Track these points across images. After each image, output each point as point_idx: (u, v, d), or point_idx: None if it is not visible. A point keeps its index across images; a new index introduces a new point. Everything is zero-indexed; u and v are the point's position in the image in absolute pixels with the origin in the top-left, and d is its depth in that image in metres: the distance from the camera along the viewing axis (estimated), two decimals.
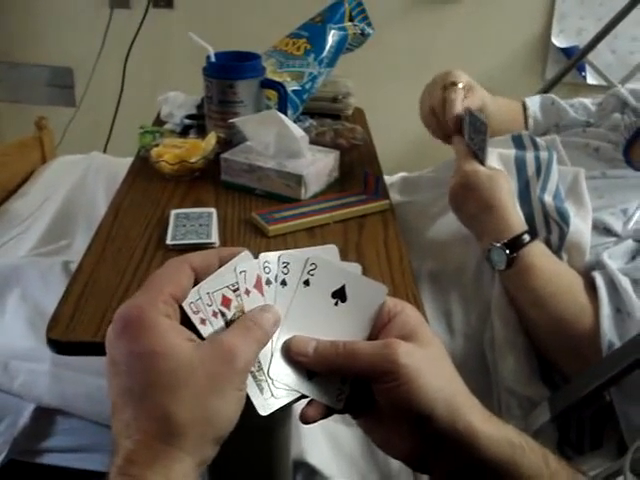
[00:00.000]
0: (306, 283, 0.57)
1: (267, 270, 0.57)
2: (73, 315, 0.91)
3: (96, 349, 0.88)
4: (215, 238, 1.08)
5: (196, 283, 0.54)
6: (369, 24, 1.54)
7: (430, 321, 1.13)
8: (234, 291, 0.55)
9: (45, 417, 1.27)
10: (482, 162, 1.09)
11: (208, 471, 1.06)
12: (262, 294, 0.56)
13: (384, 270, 1.03)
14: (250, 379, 0.54)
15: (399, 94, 2.50)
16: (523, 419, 1.04)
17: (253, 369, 0.54)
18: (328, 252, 0.59)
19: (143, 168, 1.34)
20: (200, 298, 0.54)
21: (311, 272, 0.57)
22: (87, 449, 1.29)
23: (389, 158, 1.75)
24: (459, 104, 1.19)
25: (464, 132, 1.16)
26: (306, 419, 0.56)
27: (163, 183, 1.28)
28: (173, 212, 1.14)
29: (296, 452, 1.11)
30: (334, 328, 0.57)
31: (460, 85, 1.20)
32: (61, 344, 0.88)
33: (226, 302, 0.55)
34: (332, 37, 1.47)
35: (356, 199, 1.21)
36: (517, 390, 1.06)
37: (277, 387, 0.55)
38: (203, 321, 0.54)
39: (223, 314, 0.55)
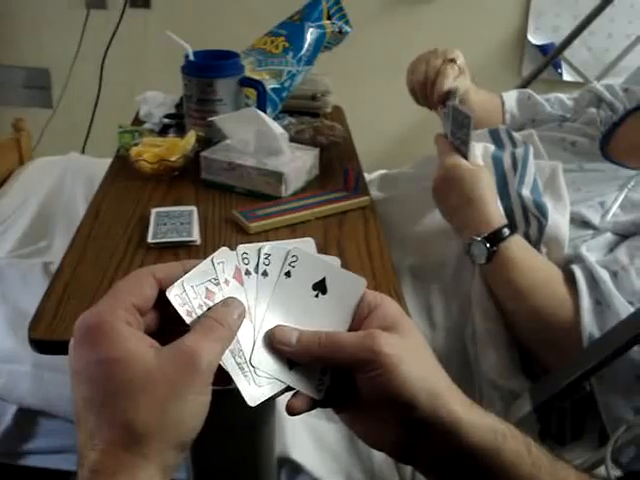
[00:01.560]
0: (287, 274, 0.58)
1: (246, 261, 0.57)
2: (55, 314, 0.90)
3: None
4: (196, 236, 1.08)
5: (160, 294, 0.54)
6: (347, 22, 1.54)
7: (412, 315, 1.13)
8: (216, 284, 0.56)
9: (27, 419, 1.26)
10: (465, 156, 1.09)
11: (193, 468, 1.07)
12: (241, 284, 0.57)
13: (365, 265, 1.04)
14: (238, 370, 0.54)
15: (377, 92, 2.52)
16: (505, 411, 1.05)
17: (240, 360, 0.55)
18: (306, 245, 0.61)
19: (123, 167, 1.33)
20: (185, 291, 0.54)
21: (292, 264, 0.58)
22: (70, 450, 1.28)
23: (368, 155, 1.75)
24: (451, 81, 1.23)
25: (445, 126, 1.16)
26: (291, 410, 0.56)
27: (143, 182, 1.28)
28: (154, 211, 1.14)
29: (280, 449, 1.11)
30: (315, 319, 0.57)
31: (458, 62, 1.21)
32: (43, 343, 0.88)
33: (210, 296, 0.55)
34: (310, 35, 1.47)
35: (336, 196, 1.22)
36: (498, 383, 1.07)
37: (259, 375, 0.55)
38: (189, 313, 0.54)
39: (208, 306, 0.55)
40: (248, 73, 1.41)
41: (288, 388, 0.56)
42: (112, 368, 0.48)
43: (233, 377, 0.54)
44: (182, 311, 0.54)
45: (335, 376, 0.57)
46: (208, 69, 1.33)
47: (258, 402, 0.55)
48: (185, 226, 1.10)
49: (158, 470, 0.48)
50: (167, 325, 0.55)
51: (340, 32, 1.53)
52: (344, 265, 1.01)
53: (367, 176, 1.65)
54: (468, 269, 1.15)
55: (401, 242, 1.26)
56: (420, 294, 1.18)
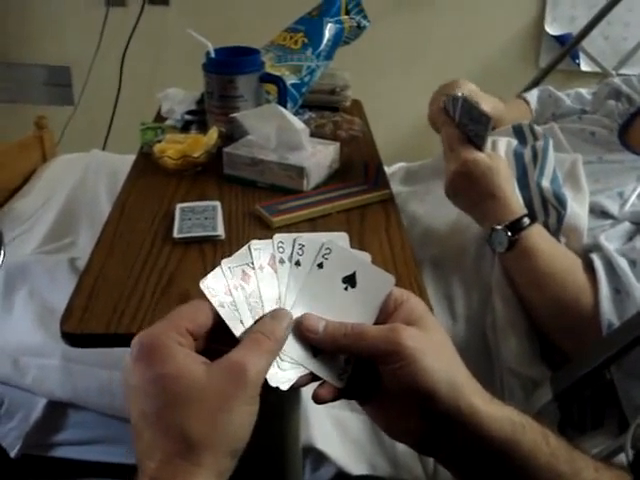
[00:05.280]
0: (320, 266, 0.60)
1: (281, 250, 0.60)
2: (85, 308, 0.92)
3: (109, 341, 0.90)
4: (221, 230, 1.09)
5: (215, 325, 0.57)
6: (365, 17, 1.55)
7: (432, 305, 1.15)
8: (252, 268, 0.59)
9: (57, 411, 1.28)
10: (480, 149, 1.10)
11: None
12: (275, 271, 0.59)
13: (387, 258, 1.05)
14: None
15: (396, 85, 2.53)
16: (525, 400, 1.06)
17: None
18: (340, 239, 0.63)
19: (146, 164, 1.35)
20: (220, 280, 0.57)
21: (325, 256, 0.60)
22: (99, 441, 1.30)
23: (387, 148, 1.77)
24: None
25: (453, 116, 1.16)
26: (317, 398, 0.58)
27: (167, 178, 1.30)
28: (178, 206, 1.16)
29: (305, 438, 1.13)
30: (342, 311, 0.59)
31: (459, 94, 1.22)
32: (75, 337, 0.90)
33: (246, 278, 0.58)
34: (329, 30, 1.49)
35: (357, 189, 1.23)
36: (519, 371, 1.09)
37: (283, 360, 0.57)
38: (222, 304, 0.56)
39: (243, 288, 0.58)
40: (268, 69, 1.42)
41: (312, 376, 0.58)
42: (166, 383, 0.51)
43: None
44: (214, 301, 0.56)
45: (359, 368, 0.59)
46: (229, 66, 1.34)
47: (289, 386, 0.57)
48: (210, 221, 1.12)
49: (213, 477, 0.51)
50: (216, 345, 0.57)
51: (358, 27, 1.54)
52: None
53: (387, 169, 1.66)
54: (488, 259, 1.16)
55: (422, 234, 1.27)
56: (441, 284, 1.20)
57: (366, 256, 0.63)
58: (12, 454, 1.28)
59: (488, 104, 1.30)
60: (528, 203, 1.13)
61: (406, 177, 1.50)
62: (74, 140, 2.43)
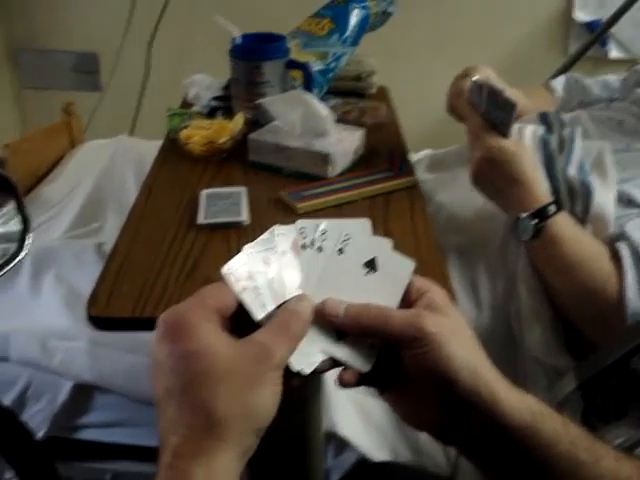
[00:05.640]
0: (340, 251, 0.61)
1: (303, 235, 0.61)
2: (111, 292, 0.93)
3: (134, 325, 0.91)
4: (245, 216, 1.10)
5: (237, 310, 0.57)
6: (391, 2, 1.54)
7: (457, 293, 1.15)
8: (274, 253, 0.59)
9: (83, 394, 1.30)
10: (505, 135, 1.09)
11: None
12: (297, 257, 0.60)
13: (411, 246, 1.05)
14: None
15: (423, 71, 2.52)
16: (549, 389, 1.06)
17: None
18: (361, 225, 0.63)
19: (173, 150, 1.36)
20: (243, 265, 0.57)
21: (345, 242, 0.61)
22: (124, 424, 1.32)
23: (414, 135, 1.76)
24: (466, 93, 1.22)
25: (476, 103, 1.16)
26: (341, 381, 0.58)
27: (193, 164, 1.30)
28: (204, 192, 1.17)
29: (327, 424, 1.13)
30: (365, 296, 0.59)
31: (474, 78, 1.21)
32: (101, 320, 0.91)
33: (268, 262, 0.59)
34: (355, 16, 1.48)
35: (382, 176, 1.23)
36: (543, 360, 1.08)
37: (306, 343, 0.57)
38: (244, 289, 0.57)
39: (265, 273, 0.58)
40: (294, 55, 1.42)
41: (334, 362, 0.59)
42: (192, 360, 0.52)
43: None
44: (236, 287, 0.57)
45: (380, 356, 0.59)
46: (255, 52, 1.35)
47: (311, 369, 0.57)
48: (235, 207, 1.12)
49: (236, 453, 0.51)
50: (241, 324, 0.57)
51: (384, 12, 1.53)
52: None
53: (413, 156, 1.66)
54: (513, 247, 1.15)
55: (447, 221, 1.27)
56: (466, 272, 1.20)
57: (387, 242, 0.63)
58: (39, 436, 1.30)
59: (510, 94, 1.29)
60: (554, 191, 1.12)
61: (432, 164, 1.50)
62: (102, 126, 2.45)
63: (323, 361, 0.58)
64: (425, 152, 1.69)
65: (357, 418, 1.15)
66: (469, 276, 1.19)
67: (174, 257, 1.02)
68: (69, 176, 1.89)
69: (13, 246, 0.79)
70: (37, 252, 1.45)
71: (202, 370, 0.51)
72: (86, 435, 1.34)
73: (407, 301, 0.60)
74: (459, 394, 0.55)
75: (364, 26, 1.50)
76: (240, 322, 0.57)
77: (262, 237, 0.59)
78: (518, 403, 0.56)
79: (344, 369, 0.59)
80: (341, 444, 1.16)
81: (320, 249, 0.60)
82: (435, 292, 0.60)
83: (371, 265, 0.61)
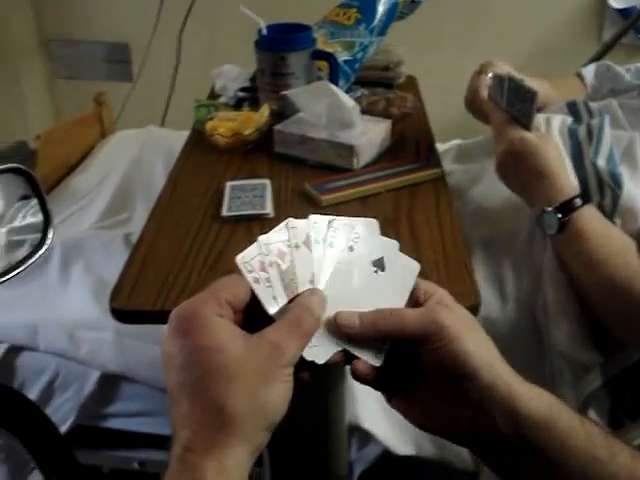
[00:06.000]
0: (350, 249, 0.61)
1: (316, 230, 0.61)
2: (134, 285, 0.94)
3: (156, 317, 0.91)
4: (269, 209, 1.10)
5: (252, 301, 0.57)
6: None
7: (482, 287, 1.13)
8: (288, 246, 0.59)
9: (109, 384, 1.32)
10: (527, 128, 1.08)
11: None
12: (310, 251, 0.60)
13: (435, 239, 1.04)
14: None
15: (453, 60, 2.48)
16: (575, 384, 1.04)
17: None
18: (369, 225, 0.63)
19: (199, 141, 1.36)
20: (256, 256, 0.58)
21: (355, 240, 0.61)
22: (150, 413, 1.34)
23: (443, 125, 1.74)
24: (483, 90, 1.21)
25: (498, 98, 1.14)
26: (355, 373, 0.58)
27: (218, 155, 1.30)
28: (228, 184, 1.17)
29: (351, 417, 1.13)
30: (374, 293, 0.60)
31: (490, 74, 1.19)
32: (123, 313, 0.91)
33: (281, 255, 0.59)
34: (382, 6, 1.46)
35: (408, 168, 1.22)
36: (570, 355, 1.06)
37: (320, 334, 0.58)
38: (256, 280, 0.57)
39: (278, 265, 0.58)
40: (320, 45, 1.41)
41: (346, 354, 0.58)
42: (204, 355, 0.52)
43: None
44: (249, 277, 0.57)
45: (387, 362, 0.59)
46: (280, 43, 1.34)
47: (325, 359, 0.57)
48: (259, 199, 1.12)
49: (247, 449, 0.52)
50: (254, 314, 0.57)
51: (412, 1, 1.52)
52: (415, 239, 1.03)
53: (442, 146, 1.64)
54: (540, 241, 1.14)
55: (473, 213, 1.25)
56: (491, 265, 1.18)
57: (394, 243, 0.63)
58: (66, 425, 1.32)
59: (531, 84, 1.27)
60: (583, 183, 1.10)
61: (459, 155, 1.48)
62: (133, 116, 2.47)
63: (336, 353, 0.58)
64: (454, 142, 1.67)
65: (381, 412, 1.15)
66: (495, 269, 1.17)
67: (198, 249, 1.02)
68: (99, 166, 1.91)
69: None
70: (66, 243, 1.46)
71: (214, 366, 0.51)
72: (113, 424, 1.36)
73: (415, 303, 0.60)
74: (478, 386, 0.55)
75: (392, 15, 1.49)
76: (253, 312, 0.57)
77: (276, 229, 0.60)
78: (536, 398, 0.56)
79: (357, 360, 0.58)
80: (365, 437, 1.16)
81: (332, 245, 0.61)
82: (440, 293, 0.60)
83: (379, 264, 0.61)
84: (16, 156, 1.72)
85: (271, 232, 0.60)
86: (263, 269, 0.58)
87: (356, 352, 0.58)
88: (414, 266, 0.62)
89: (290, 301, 0.58)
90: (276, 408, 0.53)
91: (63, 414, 1.33)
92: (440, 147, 1.63)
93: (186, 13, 2.41)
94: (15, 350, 1.34)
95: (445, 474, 1.15)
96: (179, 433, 0.51)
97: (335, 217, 0.62)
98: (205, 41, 2.52)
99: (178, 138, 1.52)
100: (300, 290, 0.58)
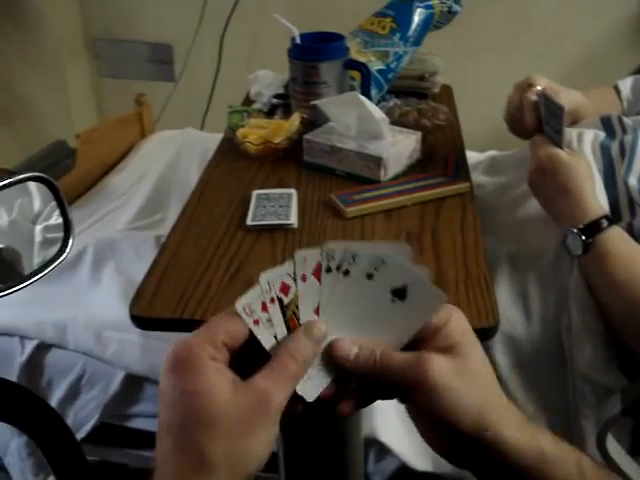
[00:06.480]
0: (369, 276, 0.58)
1: (330, 258, 0.58)
2: (155, 292, 0.95)
3: (174, 325, 0.92)
4: (294, 219, 1.10)
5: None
6: (457, 1, 1.51)
7: (507, 304, 1.12)
8: (293, 279, 0.57)
9: (134, 384, 1.34)
10: (559, 145, 1.07)
11: (282, 451, 1.10)
12: (319, 280, 0.58)
13: (458, 254, 1.03)
14: None
15: (491, 70, 2.45)
16: (596, 407, 1.03)
17: None
18: (400, 251, 0.59)
19: (230, 148, 1.37)
20: (258, 297, 0.56)
21: (378, 268, 0.58)
22: None
23: (480, 135, 1.73)
24: (528, 112, 1.19)
25: (541, 116, 1.14)
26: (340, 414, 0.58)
27: (248, 163, 1.31)
28: (255, 193, 1.18)
29: (368, 429, 1.13)
30: (382, 323, 0.58)
31: (538, 87, 1.17)
32: (142, 320, 0.93)
33: (285, 289, 0.57)
34: (418, 15, 1.46)
35: (436, 181, 1.21)
36: (593, 377, 1.05)
37: (315, 367, 0.57)
38: (256, 322, 0.56)
39: (280, 300, 0.57)
40: (354, 54, 1.41)
41: (338, 385, 0.58)
42: (192, 398, 0.52)
43: None
44: (249, 321, 0.56)
45: None
46: (312, 52, 1.35)
47: (315, 396, 0.57)
48: (284, 209, 1.12)
49: None
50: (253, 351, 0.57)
51: (449, 11, 1.50)
52: (437, 254, 1.02)
53: (478, 156, 1.63)
54: (566, 260, 1.12)
55: (501, 228, 1.24)
56: (516, 282, 1.17)
57: (422, 271, 0.59)
58: (91, 422, 1.35)
59: (566, 96, 1.25)
60: (613, 202, 1.09)
61: (490, 167, 1.47)
62: (174, 117, 2.50)
63: (326, 388, 0.57)
64: (490, 153, 1.66)
65: (400, 425, 1.14)
66: (520, 287, 1.16)
67: (220, 257, 1.03)
68: (136, 167, 1.94)
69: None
70: (99, 243, 1.49)
71: (200, 411, 0.52)
72: (136, 424, 1.38)
73: (422, 334, 0.58)
74: (461, 436, 0.55)
75: (427, 25, 1.48)
76: (252, 348, 0.57)
77: (281, 265, 0.58)
78: (526, 446, 0.55)
79: (340, 403, 0.58)
80: (383, 450, 1.16)
81: (346, 273, 0.58)
82: (451, 327, 0.57)
83: (399, 294, 0.58)
84: (56, 155, 1.75)
85: (274, 268, 0.57)
86: (265, 309, 0.56)
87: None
88: (439, 299, 0.58)
89: (290, 332, 0.57)
90: (256, 458, 0.53)
91: (88, 412, 1.35)
92: (476, 157, 1.61)
93: (228, 15, 2.43)
94: (45, 347, 1.36)
95: None
96: (161, 471, 0.52)
97: (354, 243, 0.59)
98: (246, 44, 2.53)
99: (215, 141, 1.53)
100: (302, 321, 0.57)
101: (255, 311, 0.56)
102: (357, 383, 0.59)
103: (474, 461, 0.57)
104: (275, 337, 0.57)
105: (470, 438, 0.54)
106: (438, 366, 0.54)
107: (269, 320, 0.56)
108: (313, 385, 0.57)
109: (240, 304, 0.56)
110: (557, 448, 0.56)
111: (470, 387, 0.55)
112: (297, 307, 0.58)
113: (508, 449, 0.54)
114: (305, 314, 0.58)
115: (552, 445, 0.56)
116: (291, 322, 0.57)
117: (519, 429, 0.55)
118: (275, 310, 0.57)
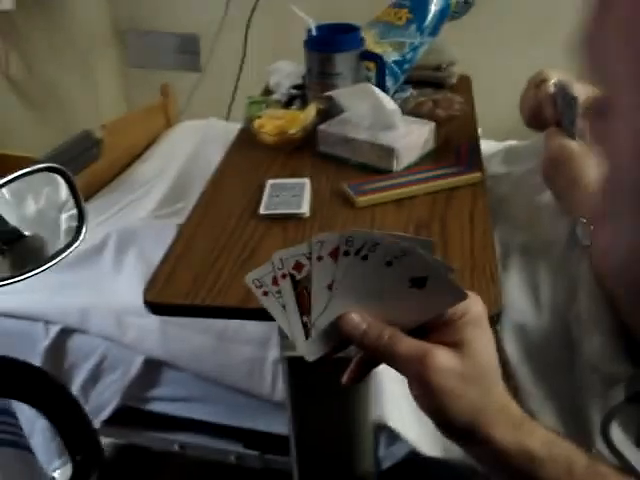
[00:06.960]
0: (388, 264, 0.58)
1: (350, 244, 0.58)
2: (168, 278, 0.98)
3: (186, 311, 0.95)
4: (305, 208, 1.12)
5: None
6: None
7: (517, 294, 1.13)
8: (308, 258, 0.59)
9: (154, 368, 1.38)
10: (572, 136, 1.07)
11: (294, 436, 1.13)
12: (335, 262, 0.59)
13: (465, 243, 1.04)
14: (299, 325, 0.59)
15: (511, 60, 2.42)
16: (604, 395, 1.03)
17: (305, 318, 0.59)
18: (423, 245, 0.59)
19: (248, 137, 1.40)
20: (268, 273, 0.59)
21: (398, 257, 0.57)
22: (190, 399, 1.39)
23: (499, 124, 1.73)
24: (546, 107, 1.19)
25: (557, 108, 1.14)
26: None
27: (264, 153, 1.33)
28: (269, 182, 1.20)
29: (378, 416, 1.15)
30: (396, 304, 0.59)
31: (552, 81, 1.18)
32: (155, 305, 0.96)
33: (299, 267, 0.59)
34: (434, 6, 1.46)
35: (448, 171, 1.22)
36: (599, 367, 1.06)
37: (315, 333, 0.59)
38: (265, 293, 0.59)
39: (292, 276, 0.59)
40: (371, 45, 1.42)
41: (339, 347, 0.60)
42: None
43: (293, 335, 0.60)
44: (258, 292, 0.59)
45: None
46: (327, 43, 1.36)
47: (315, 358, 0.59)
48: (296, 198, 1.14)
49: None
50: None
51: (466, 2, 1.51)
52: (445, 243, 1.03)
53: (497, 145, 1.63)
54: (577, 250, 1.13)
55: (513, 218, 1.25)
56: (528, 271, 1.17)
57: (444, 267, 0.58)
58: (112, 405, 1.39)
59: (581, 88, 1.25)
60: None
61: (507, 157, 1.47)
62: (200, 107, 2.52)
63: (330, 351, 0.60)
64: (508, 143, 1.66)
65: (409, 411, 1.16)
66: (531, 276, 1.16)
67: (233, 245, 1.05)
68: (160, 156, 1.97)
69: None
70: (122, 231, 1.53)
71: None
72: (155, 407, 1.42)
73: (435, 323, 0.58)
74: (453, 430, 0.57)
75: (444, 16, 1.48)
76: None
77: (298, 245, 0.59)
78: (515, 448, 0.55)
79: (346, 373, 0.61)
80: (393, 435, 1.18)
81: (365, 257, 0.58)
82: (469, 316, 0.57)
83: (419, 283, 0.57)
84: (81, 145, 1.79)
85: (290, 248, 0.59)
86: (275, 283, 0.58)
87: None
88: (458, 297, 0.57)
89: (301, 308, 0.59)
90: None
91: (109, 395, 1.40)
92: (494, 147, 1.62)
93: (253, 5, 2.44)
94: (68, 332, 1.41)
95: (472, 478, 1.16)
96: None
97: (377, 232, 0.58)
98: (271, 34, 2.54)
99: (237, 131, 1.55)
100: (313, 297, 0.59)
101: (265, 283, 0.58)
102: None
103: (468, 449, 0.59)
104: (283, 307, 0.59)
105: (461, 433, 0.56)
106: (440, 365, 0.55)
107: (278, 292, 0.58)
108: (316, 348, 0.59)
109: (250, 277, 0.58)
110: (548, 449, 0.56)
111: (468, 390, 0.56)
112: (309, 281, 0.59)
113: (497, 448, 0.55)
114: (317, 288, 0.59)
115: (543, 446, 0.56)
116: (300, 296, 0.59)
117: (511, 430, 0.56)
118: (286, 284, 0.59)
